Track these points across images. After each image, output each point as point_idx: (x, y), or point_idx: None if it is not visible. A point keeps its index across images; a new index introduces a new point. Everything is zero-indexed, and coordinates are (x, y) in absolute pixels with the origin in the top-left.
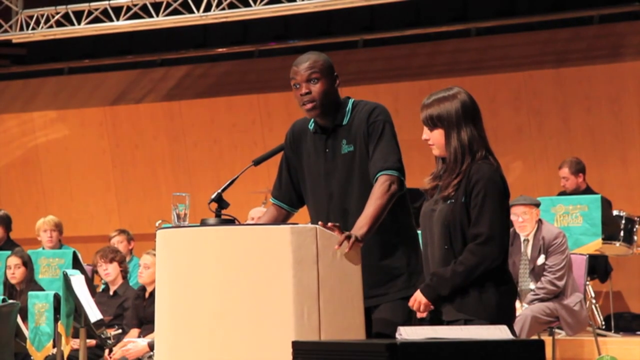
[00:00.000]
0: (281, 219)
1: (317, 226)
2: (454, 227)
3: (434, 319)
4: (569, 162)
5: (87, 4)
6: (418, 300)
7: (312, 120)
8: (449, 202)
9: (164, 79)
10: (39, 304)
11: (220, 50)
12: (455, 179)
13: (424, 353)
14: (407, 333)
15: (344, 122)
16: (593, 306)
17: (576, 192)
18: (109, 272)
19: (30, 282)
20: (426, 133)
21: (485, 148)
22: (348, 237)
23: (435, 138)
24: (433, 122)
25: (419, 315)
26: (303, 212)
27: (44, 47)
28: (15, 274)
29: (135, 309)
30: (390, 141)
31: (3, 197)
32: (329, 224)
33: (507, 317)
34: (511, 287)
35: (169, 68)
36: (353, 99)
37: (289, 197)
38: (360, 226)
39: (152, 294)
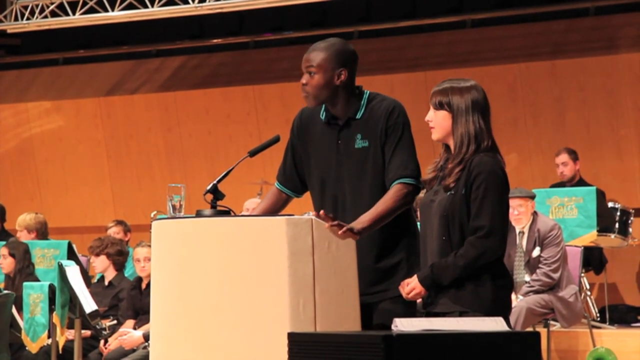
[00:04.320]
0: (281, 203)
1: (312, 218)
2: (452, 219)
3: (429, 312)
4: (566, 149)
5: None
6: (417, 290)
7: (324, 108)
8: (448, 193)
9: (159, 69)
10: (34, 294)
11: (215, 41)
12: (459, 166)
13: (420, 345)
14: (403, 325)
15: (358, 116)
16: (588, 298)
17: (573, 180)
18: (96, 265)
19: (23, 273)
20: (430, 115)
21: (491, 141)
22: (341, 225)
23: (437, 120)
24: (440, 105)
25: (413, 298)
26: (299, 202)
27: (39, 37)
28: (3, 264)
29: (131, 300)
30: (410, 147)
31: None
32: (321, 212)
33: (502, 310)
34: (508, 281)
35: (164, 59)
36: (368, 91)
37: (293, 183)
38: (362, 221)
39: (149, 285)
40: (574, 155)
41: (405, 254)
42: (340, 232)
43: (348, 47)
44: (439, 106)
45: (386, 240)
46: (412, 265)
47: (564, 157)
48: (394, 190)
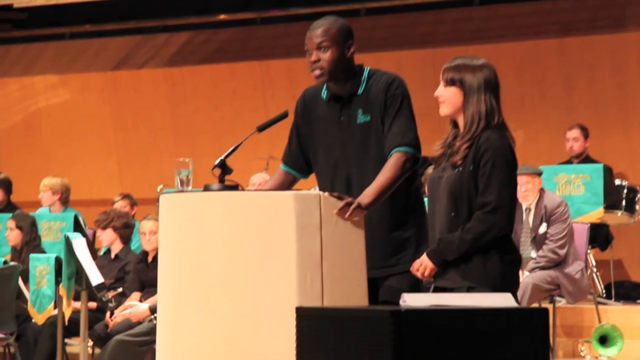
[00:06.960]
0: (287, 184)
1: (320, 193)
2: (460, 195)
3: (436, 286)
4: (579, 125)
5: None
6: (424, 264)
7: (325, 87)
8: (456, 170)
9: (166, 44)
10: (41, 266)
11: (222, 16)
12: (466, 143)
13: (428, 320)
14: (411, 300)
15: (360, 92)
16: (594, 275)
17: (580, 156)
18: (102, 238)
19: (30, 245)
20: (439, 90)
21: (501, 119)
22: (349, 204)
23: (447, 95)
24: (452, 81)
25: (424, 280)
26: (307, 178)
27: (45, 11)
28: (10, 236)
29: (137, 273)
30: (408, 117)
31: (4, 160)
32: (326, 193)
33: (510, 286)
34: (515, 257)
35: (171, 34)
36: (369, 67)
37: (299, 164)
38: (367, 195)
39: (155, 258)
40: (585, 132)
41: (415, 231)
42: (347, 215)
43: (345, 21)
44: (451, 83)
45: (396, 217)
46: (421, 242)
47: (575, 132)
48: (393, 160)
